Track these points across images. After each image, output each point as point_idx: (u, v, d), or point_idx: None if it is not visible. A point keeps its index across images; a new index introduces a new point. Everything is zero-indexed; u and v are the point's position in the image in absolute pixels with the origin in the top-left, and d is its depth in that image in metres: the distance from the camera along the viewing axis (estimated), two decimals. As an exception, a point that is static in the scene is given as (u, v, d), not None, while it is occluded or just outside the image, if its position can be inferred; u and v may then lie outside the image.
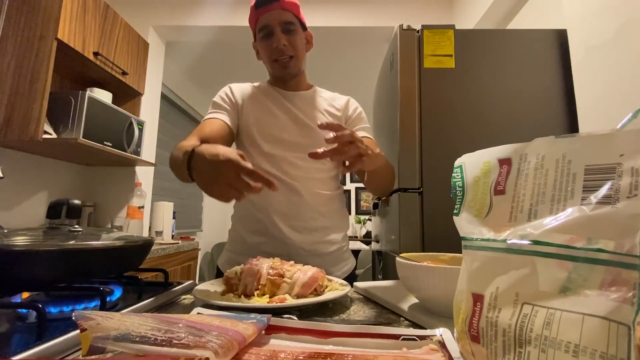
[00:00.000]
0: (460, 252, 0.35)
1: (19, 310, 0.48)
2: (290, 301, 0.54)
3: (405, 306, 0.54)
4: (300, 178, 0.91)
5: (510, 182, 0.33)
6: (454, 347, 0.34)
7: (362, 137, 0.95)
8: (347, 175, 4.84)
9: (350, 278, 0.96)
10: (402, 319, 0.53)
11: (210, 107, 0.97)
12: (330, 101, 1.01)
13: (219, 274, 0.95)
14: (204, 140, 0.82)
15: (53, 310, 0.48)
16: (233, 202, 0.90)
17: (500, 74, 1.33)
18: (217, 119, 0.92)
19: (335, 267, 0.93)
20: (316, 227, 0.91)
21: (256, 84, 1.02)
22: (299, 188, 0.90)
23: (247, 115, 0.94)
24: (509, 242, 0.29)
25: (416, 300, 0.56)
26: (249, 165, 0.55)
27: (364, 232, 5.19)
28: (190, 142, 0.78)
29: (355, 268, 1.02)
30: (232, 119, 0.94)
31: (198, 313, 0.44)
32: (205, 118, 0.94)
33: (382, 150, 0.99)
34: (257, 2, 0.88)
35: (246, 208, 0.93)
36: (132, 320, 0.31)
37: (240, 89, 0.98)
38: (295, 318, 0.44)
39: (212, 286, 0.66)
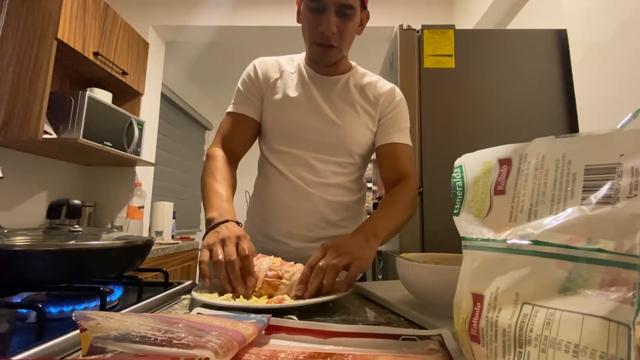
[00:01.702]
0: (460, 252, 0.35)
1: (19, 310, 0.48)
2: (290, 301, 0.54)
3: (405, 306, 0.54)
4: (313, 183, 0.83)
5: (510, 182, 0.33)
6: (454, 347, 0.34)
7: (396, 143, 0.85)
8: (364, 175, 4.82)
9: (360, 280, 0.94)
10: (402, 319, 0.53)
11: (234, 94, 0.89)
12: (367, 90, 0.87)
13: None
14: (228, 143, 0.86)
15: (53, 310, 0.48)
16: (241, 201, 0.89)
17: (500, 74, 1.33)
18: (240, 115, 0.86)
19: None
20: (324, 236, 0.84)
21: (288, 58, 0.91)
22: (311, 195, 0.82)
23: (268, 103, 0.86)
24: (509, 242, 0.29)
25: (416, 300, 0.56)
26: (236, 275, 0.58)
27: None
28: (217, 153, 0.84)
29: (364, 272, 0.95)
30: (256, 110, 0.87)
31: (198, 313, 0.44)
32: (229, 110, 0.88)
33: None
34: None
35: (258, 206, 0.90)
36: (132, 320, 0.31)
37: (266, 69, 0.88)
38: (295, 318, 0.44)
39: (211, 287, 0.66)
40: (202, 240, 0.68)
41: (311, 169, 0.84)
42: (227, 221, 0.67)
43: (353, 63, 0.92)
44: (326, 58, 0.81)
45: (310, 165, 0.84)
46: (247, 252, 0.59)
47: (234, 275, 0.57)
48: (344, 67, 0.89)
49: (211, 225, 0.68)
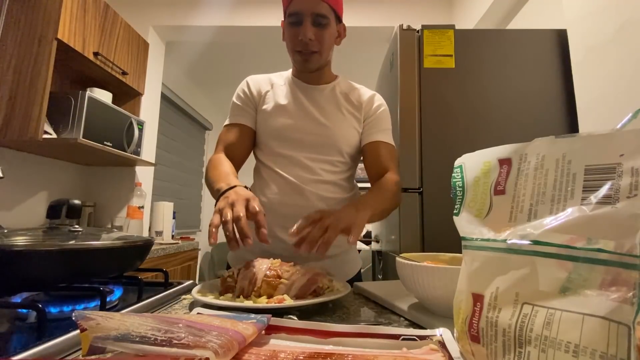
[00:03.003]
0: (460, 252, 0.35)
1: (19, 310, 0.48)
2: (290, 301, 0.54)
3: (405, 306, 0.54)
4: (308, 181, 0.87)
5: (510, 182, 0.33)
6: (454, 347, 0.34)
7: (378, 141, 0.92)
8: (354, 177, 4.83)
9: (357, 279, 0.95)
10: (402, 319, 0.53)
11: (230, 108, 0.97)
12: (351, 96, 0.95)
13: (228, 267, 0.94)
14: (229, 151, 0.91)
15: (53, 310, 0.48)
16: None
17: (500, 74, 1.33)
18: (237, 125, 0.93)
19: (339, 269, 0.90)
20: None
21: (277, 74, 0.99)
22: (306, 191, 0.86)
23: (262, 112, 0.93)
24: (509, 242, 0.29)
25: (416, 300, 0.56)
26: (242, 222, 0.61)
27: (364, 232, 5.18)
28: (219, 155, 0.89)
29: (359, 269, 0.99)
30: (252, 119, 0.94)
31: (198, 313, 0.44)
32: (226, 123, 0.96)
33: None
34: None
35: None
36: (132, 320, 0.31)
37: (258, 84, 0.96)
38: (295, 318, 0.44)
39: (211, 287, 0.66)
40: (214, 206, 0.70)
41: (305, 167, 0.88)
42: (235, 186, 0.71)
43: (338, 75, 1.00)
44: (309, 64, 0.88)
45: (304, 164, 0.88)
46: (257, 209, 0.63)
47: (241, 228, 0.60)
48: (328, 78, 0.97)
49: (220, 193, 0.71)
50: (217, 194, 0.72)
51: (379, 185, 0.87)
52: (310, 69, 0.90)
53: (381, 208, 0.82)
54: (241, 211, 0.61)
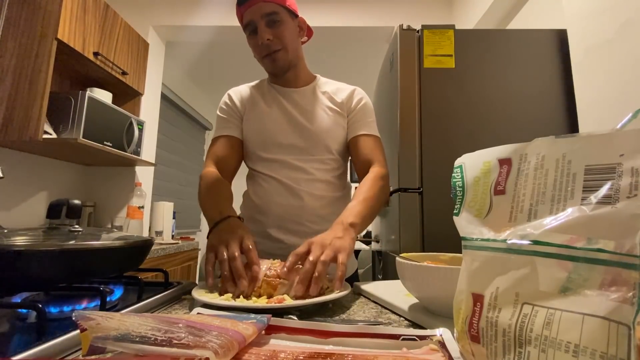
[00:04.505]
0: (460, 252, 0.35)
1: (19, 310, 0.48)
2: (290, 301, 0.54)
3: (405, 306, 0.54)
4: (301, 181, 0.88)
5: (510, 182, 0.33)
6: (454, 347, 0.34)
7: (362, 134, 0.92)
8: (347, 175, 4.85)
9: (353, 279, 0.95)
10: (402, 319, 0.53)
11: (215, 122, 0.98)
12: (332, 95, 0.95)
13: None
14: (219, 164, 0.92)
15: (53, 310, 0.48)
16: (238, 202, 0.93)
17: (500, 74, 1.33)
18: (225, 137, 0.94)
19: (334, 269, 0.91)
20: (316, 230, 0.85)
21: (255, 83, 1.00)
22: (300, 191, 0.88)
23: (246, 122, 0.94)
24: (509, 242, 0.29)
25: (416, 300, 0.56)
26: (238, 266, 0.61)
27: (364, 232, 5.18)
28: (210, 171, 0.89)
29: (356, 269, 1.00)
30: (238, 130, 0.95)
31: (198, 313, 0.44)
32: (214, 136, 0.96)
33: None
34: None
35: (250, 207, 0.93)
36: (132, 320, 0.31)
37: (239, 95, 0.97)
38: (295, 318, 0.44)
39: (211, 287, 0.66)
40: (207, 238, 0.70)
41: (297, 168, 0.89)
42: (228, 217, 0.72)
43: (317, 75, 1.00)
44: (277, 64, 0.88)
45: (296, 165, 0.89)
46: (250, 247, 0.63)
47: (236, 269, 0.59)
48: (306, 79, 0.97)
49: (213, 224, 0.71)
50: (211, 224, 0.73)
51: (364, 188, 0.83)
52: (281, 68, 0.90)
53: (369, 213, 0.79)
54: (236, 250, 0.62)
